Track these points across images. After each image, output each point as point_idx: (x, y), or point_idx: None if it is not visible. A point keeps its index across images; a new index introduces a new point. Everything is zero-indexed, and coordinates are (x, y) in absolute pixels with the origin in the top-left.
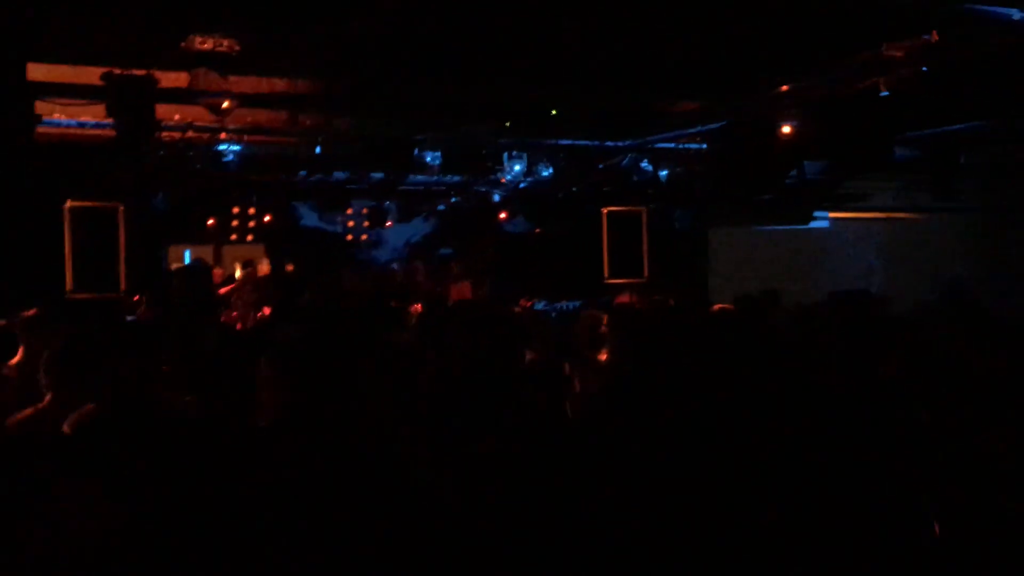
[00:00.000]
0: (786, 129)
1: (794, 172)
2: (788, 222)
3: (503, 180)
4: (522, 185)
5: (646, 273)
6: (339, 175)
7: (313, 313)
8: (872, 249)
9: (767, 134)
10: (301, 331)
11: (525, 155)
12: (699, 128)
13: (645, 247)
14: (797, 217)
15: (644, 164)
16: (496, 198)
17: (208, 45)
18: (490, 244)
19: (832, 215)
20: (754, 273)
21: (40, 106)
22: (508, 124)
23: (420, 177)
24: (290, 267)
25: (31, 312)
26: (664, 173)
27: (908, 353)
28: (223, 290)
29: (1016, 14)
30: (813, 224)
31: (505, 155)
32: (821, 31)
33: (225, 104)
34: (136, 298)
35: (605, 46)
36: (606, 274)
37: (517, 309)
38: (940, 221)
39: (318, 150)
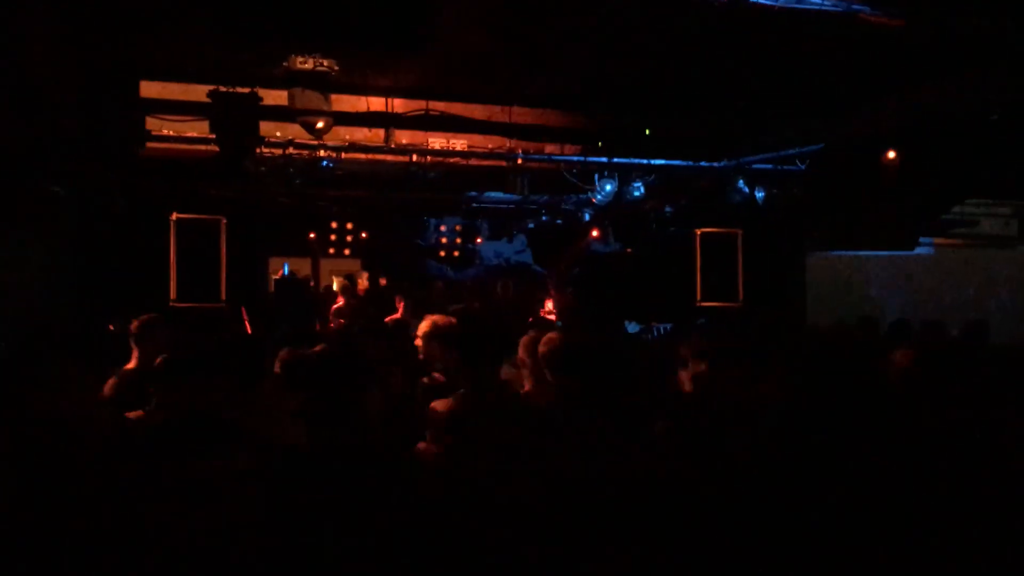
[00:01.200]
0: (891, 154)
1: (899, 196)
2: (891, 247)
3: (594, 200)
4: (608, 203)
5: (741, 296)
6: (433, 192)
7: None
8: (976, 277)
9: (871, 157)
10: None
11: (616, 175)
12: (799, 150)
13: (740, 270)
14: (901, 242)
15: (740, 185)
16: (586, 217)
17: (309, 65)
18: (579, 263)
19: (937, 241)
20: (854, 299)
21: (150, 122)
22: (600, 144)
23: (510, 196)
24: (383, 281)
25: (145, 318)
26: (761, 195)
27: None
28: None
29: None
30: (918, 250)
31: (596, 175)
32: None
33: (320, 124)
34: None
35: (700, 67)
36: (698, 296)
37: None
38: None
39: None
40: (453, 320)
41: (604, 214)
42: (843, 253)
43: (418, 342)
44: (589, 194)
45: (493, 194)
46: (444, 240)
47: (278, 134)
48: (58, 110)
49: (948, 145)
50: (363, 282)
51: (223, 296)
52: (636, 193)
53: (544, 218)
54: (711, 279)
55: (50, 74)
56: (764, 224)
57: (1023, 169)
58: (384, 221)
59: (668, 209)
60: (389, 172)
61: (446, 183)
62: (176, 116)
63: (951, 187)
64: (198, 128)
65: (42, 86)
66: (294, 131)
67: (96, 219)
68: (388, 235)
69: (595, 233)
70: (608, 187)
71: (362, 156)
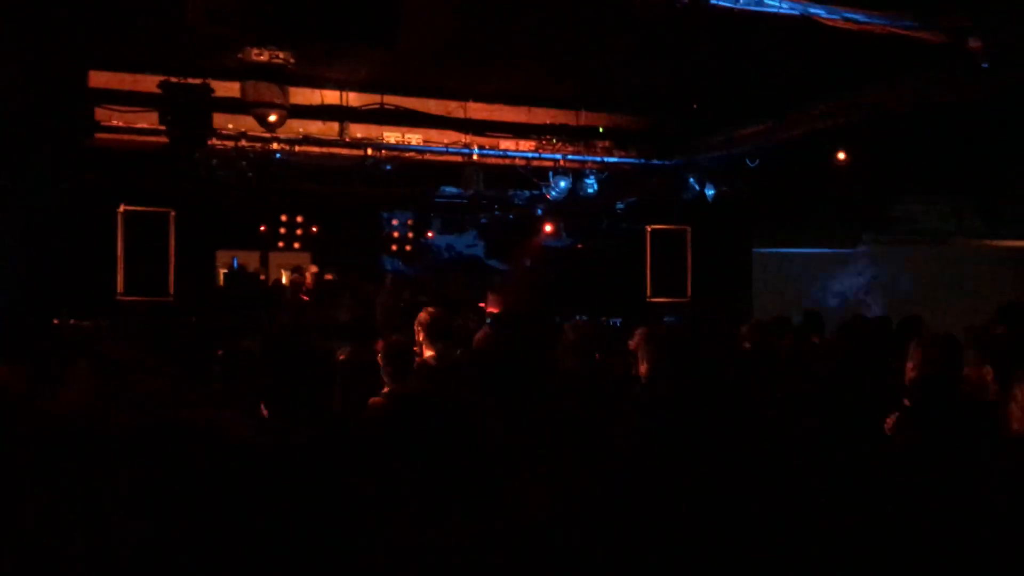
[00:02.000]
0: (840, 155)
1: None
2: (835, 244)
3: (548, 196)
4: (562, 199)
5: (689, 292)
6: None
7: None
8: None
9: (817, 155)
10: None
11: (571, 172)
12: (747, 148)
13: (689, 266)
14: (844, 239)
15: (691, 182)
16: (539, 212)
17: (264, 57)
18: (531, 258)
19: (879, 238)
20: (799, 295)
21: (99, 112)
22: (555, 141)
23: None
24: (328, 276)
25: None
26: (711, 192)
27: None
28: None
29: None
30: (860, 247)
31: (551, 171)
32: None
33: (273, 117)
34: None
35: (650, 66)
36: (649, 292)
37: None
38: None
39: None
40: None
41: (557, 210)
42: (789, 250)
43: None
44: (543, 190)
45: (447, 188)
46: (396, 234)
47: (230, 126)
48: (4, 100)
49: (889, 143)
50: (310, 276)
51: (171, 290)
52: (590, 190)
53: (497, 213)
54: (661, 275)
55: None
56: (713, 221)
57: (959, 164)
58: (336, 215)
59: (620, 205)
60: (342, 166)
61: (400, 177)
62: (126, 107)
63: (891, 184)
64: (148, 119)
65: None
66: (247, 123)
67: (42, 211)
68: (339, 229)
69: (548, 228)
70: (562, 183)
71: (316, 149)
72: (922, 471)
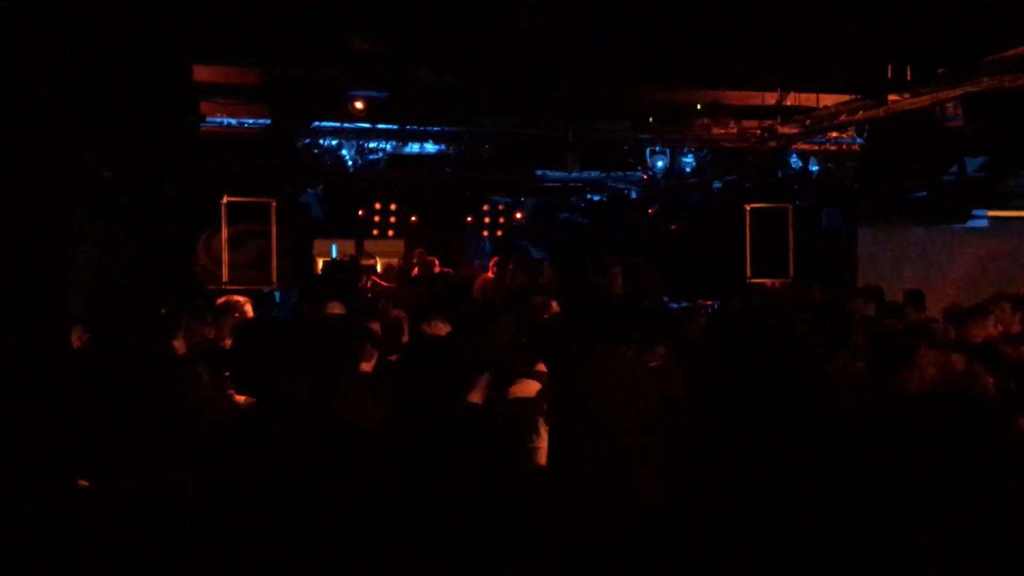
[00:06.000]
0: (950, 124)
1: (953, 169)
2: (944, 221)
3: (645, 176)
4: (663, 181)
5: (791, 272)
6: (480, 171)
7: None
8: None
9: (925, 129)
10: None
11: (668, 151)
12: (852, 122)
13: (791, 245)
14: (954, 216)
15: (792, 160)
16: (633, 195)
17: (367, 46)
18: (627, 241)
19: (991, 214)
20: (906, 274)
21: (202, 105)
22: (651, 120)
23: (557, 173)
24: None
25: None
26: (815, 169)
27: None
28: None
29: None
30: (970, 223)
31: (647, 150)
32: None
33: (359, 105)
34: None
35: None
36: (748, 273)
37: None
38: None
39: (461, 148)
40: None
41: (653, 190)
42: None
43: None
44: (639, 170)
45: (541, 172)
46: (488, 220)
47: (330, 115)
48: (110, 94)
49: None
50: (406, 263)
51: (274, 279)
52: (687, 169)
53: (589, 196)
54: (761, 255)
55: (104, 60)
56: (815, 199)
57: None
58: (431, 201)
59: (717, 184)
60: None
61: (495, 162)
62: (229, 99)
63: (1005, 157)
64: (249, 110)
65: (96, 73)
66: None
67: (148, 203)
68: (435, 215)
69: (647, 211)
70: (660, 163)
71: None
72: None
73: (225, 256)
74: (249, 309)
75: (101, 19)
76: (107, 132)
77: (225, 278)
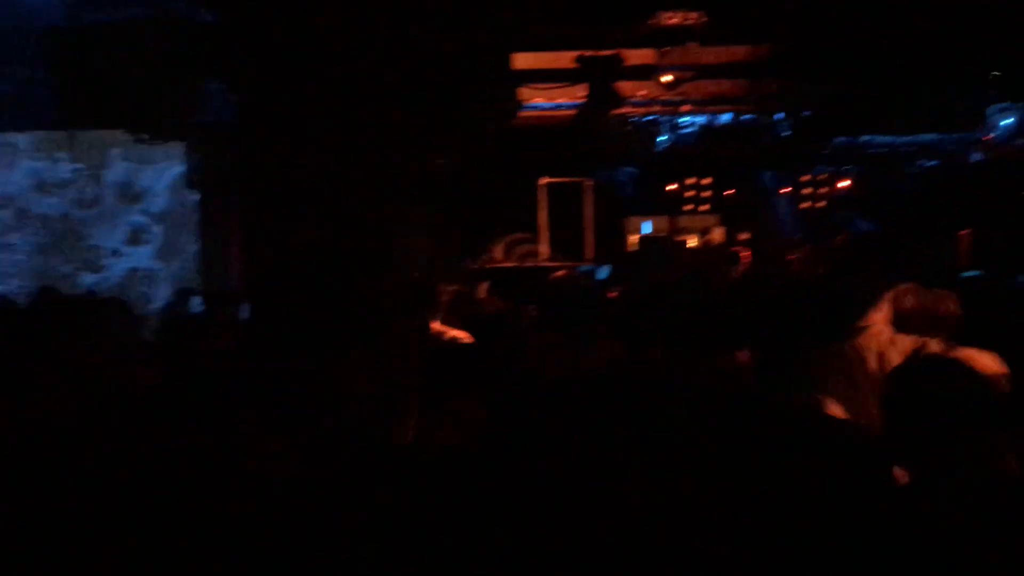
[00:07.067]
0: None
1: None
2: None
3: (986, 139)
4: (1011, 142)
5: None
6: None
7: None
8: None
9: None
10: None
11: (1017, 109)
12: None
13: None
14: None
15: None
16: (973, 159)
17: (676, 20)
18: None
19: None
20: None
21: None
22: (995, 74)
23: (886, 139)
24: (744, 235)
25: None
26: None
27: None
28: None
29: None
30: None
31: (990, 110)
32: None
33: (669, 78)
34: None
35: None
36: None
37: None
38: None
39: (778, 116)
40: None
41: (998, 153)
42: None
43: None
44: (980, 132)
45: (865, 138)
46: (808, 191)
47: (642, 93)
48: (441, 89)
49: None
50: (718, 237)
51: (592, 254)
52: None
53: (921, 162)
54: None
55: (433, 58)
56: None
57: None
58: (741, 174)
59: None
60: (753, 123)
61: (804, 133)
62: (547, 84)
63: None
64: (563, 94)
65: (427, 69)
66: (657, 89)
67: (473, 188)
68: (751, 188)
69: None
70: (1003, 122)
71: (726, 109)
72: None
73: (545, 235)
74: None
75: (428, 16)
76: (435, 124)
77: (546, 254)
